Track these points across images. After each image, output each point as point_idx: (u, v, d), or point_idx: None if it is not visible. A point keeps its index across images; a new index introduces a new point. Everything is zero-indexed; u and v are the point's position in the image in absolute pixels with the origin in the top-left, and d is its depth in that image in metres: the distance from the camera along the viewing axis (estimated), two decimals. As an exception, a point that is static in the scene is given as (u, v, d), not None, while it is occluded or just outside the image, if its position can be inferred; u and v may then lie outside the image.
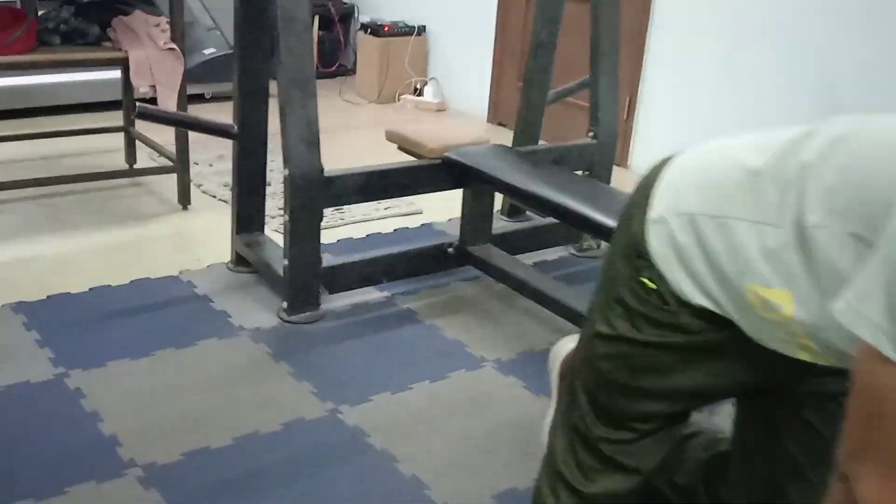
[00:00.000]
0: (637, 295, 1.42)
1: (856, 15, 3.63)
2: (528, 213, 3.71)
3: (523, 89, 3.56)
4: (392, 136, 3.17)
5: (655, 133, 4.46)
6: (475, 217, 3.07)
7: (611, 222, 2.47)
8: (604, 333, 1.48)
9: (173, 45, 3.30)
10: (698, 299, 1.36)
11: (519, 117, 3.59)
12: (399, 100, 5.65)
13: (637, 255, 1.42)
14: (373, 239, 3.54)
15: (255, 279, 3.11)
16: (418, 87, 5.65)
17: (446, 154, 2.98)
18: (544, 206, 2.75)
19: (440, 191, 3.06)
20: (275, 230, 3.43)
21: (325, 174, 2.75)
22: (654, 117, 4.46)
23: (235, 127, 2.96)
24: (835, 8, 3.69)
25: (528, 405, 2.51)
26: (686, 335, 1.40)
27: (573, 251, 3.52)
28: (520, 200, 2.95)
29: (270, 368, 2.60)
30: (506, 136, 5.19)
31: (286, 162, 2.69)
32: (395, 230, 3.63)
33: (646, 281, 1.40)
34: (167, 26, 3.34)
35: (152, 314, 2.85)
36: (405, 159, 3.13)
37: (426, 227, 3.69)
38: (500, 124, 5.37)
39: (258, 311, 2.90)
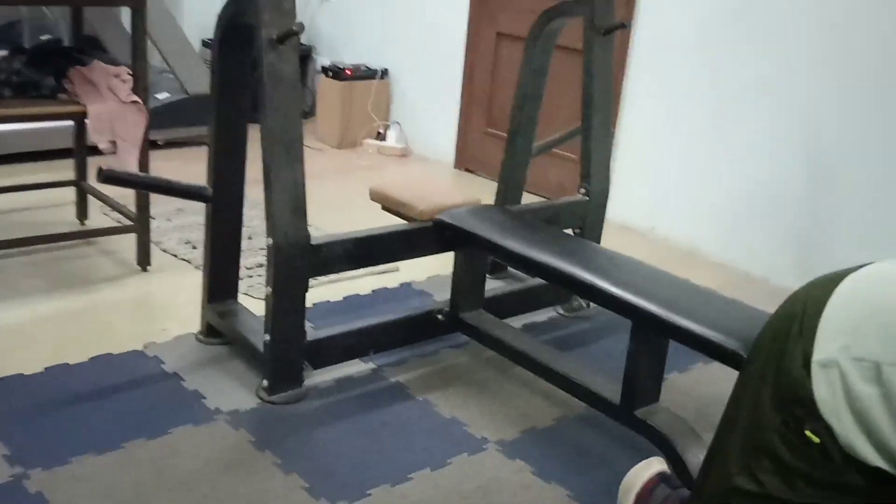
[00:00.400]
0: (794, 448, 1.22)
1: (841, 71, 3.56)
2: (510, 269, 3.54)
3: (508, 142, 3.39)
4: (377, 196, 2.96)
5: (633, 184, 4.33)
6: (467, 282, 2.88)
7: (611, 288, 2.31)
8: (746, 490, 1.27)
9: (136, 98, 3.05)
10: (874, 460, 1.17)
11: (503, 171, 3.41)
12: (362, 144, 5.45)
13: (796, 402, 1.22)
14: (351, 302, 3.31)
15: (228, 352, 2.86)
16: (381, 131, 5.46)
17: (437, 217, 2.78)
18: (544, 272, 2.57)
19: (431, 255, 2.86)
20: (245, 293, 3.19)
21: (312, 242, 2.53)
22: (632, 168, 4.34)
23: (209, 189, 2.72)
24: (819, 63, 3.62)
25: (540, 494, 2.31)
26: (852, 497, 1.21)
27: (561, 311, 3.36)
28: (517, 266, 2.77)
29: (254, 459, 2.35)
30: (472, 182, 5.05)
31: (270, 230, 2.47)
32: (373, 291, 3.41)
33: (809, 434, 1.21)
34: (129, 77, 3.09)
35: (118, 397, 2.58)
36: (385, 216, 2.94)
37: (405, 287, 3.49)
38: (467, 170, 5.21)
39: (235, 391, 2.65)
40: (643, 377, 2.38)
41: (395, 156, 5.37)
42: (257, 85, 2.43)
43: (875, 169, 3.52)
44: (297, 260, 2.51)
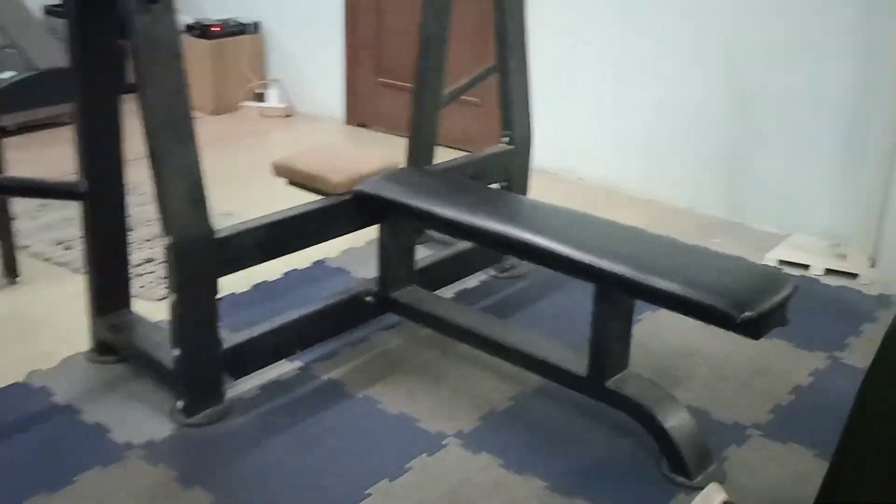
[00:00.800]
0: None
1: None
2: (428, 232, 3.24)
3: (414, 92, 3.05)
4: (282, 171, 2.59)
5: (543, 125, 4.06)
6: (396, 257, 2.56)
7: (574, 253, 2.04)
8: None
9: (-25, 83, 2.55)
10: None
11: (412, 125, 3.08)
12: (240, 108, 4.98)
13: None
14: (262, 290, 2.94)
15: (128, 370, 2.46)
16: (260, 91, 5.00)
17: (357, 188, 2.44)
18: (491, 241, 2.27)
19: (354, 231, 2.52)
20: (136, 296, 2.77)
21: (218, 235, 2.15)
22: (540, 107, 4.05)
23: (83, 182, 2.29)
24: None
25: (515, 490, 2.05)
26: None
27: (494, 273, 3.09)
28: (458, 235, 2.46)
29: (183, 499, 1.99)
30: (368, 138, 4.69)
31: (166, 227, 2.08)
32: (284, 274, 3.05)
33: None
34: (-38, 58, 2.58)
35: (3, 445, 2.16)
36: (291, 191, 2.58)
37: (319, 266, 3.14)
38: (360, 125, 4.84)
39: (145, 417, 2.27)
40: (612, 344, 2.13)
41: (279, 117, 4.95)
42: (131, 54, 2.02)
43: (796, 92, 3.37)
44: (203, 258, 2.13)
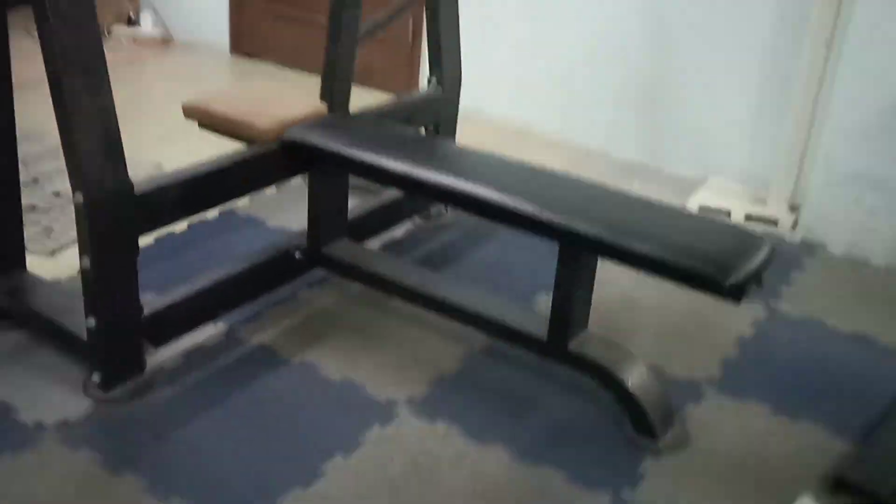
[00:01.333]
0: None
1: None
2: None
3: (330, 26, 2.79)
4: (195, 113, 2.32)
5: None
6: (328, 209, 2.35)
7: (543, 213, 1.91)
8: None
9: None
10: None
11: (328, 61, 2.82)
12: (110, 33, 4.52)
13: None
14: (167, 245, 2.66)
15: (27, 338, 2.18)
16: (132, 15, 4.56)
17: (286, 135, 2.21)
18: (443, 195, 2.10)
19: (281, 181, 2.31)
20: (32, 251, 2.46)
21: (137, 191, 1.89)
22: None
23: (-34, 129, 1.96)
24: None
25: (480, 461, 1.93)
26: None
27: (419, 221, 2.93)
28: (402, 188, 2.26)
29: (112, 488, 1.77)
30: (254, 70, 4.36)
31: (77, 182, 1.80)
32: (189, 227, 2.77)
33: None
34: None
35: None
36: (190, 132, 2.34)
37: (228, 216, 2.87)
38: (246, 55, 4.49)
39: (55, 393, 2.01)
40: (575, 306, 2.03)
41: (154, 45, 4.53)
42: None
43: (716, 31, 3.31)
44: (121, 216, 1.87)
